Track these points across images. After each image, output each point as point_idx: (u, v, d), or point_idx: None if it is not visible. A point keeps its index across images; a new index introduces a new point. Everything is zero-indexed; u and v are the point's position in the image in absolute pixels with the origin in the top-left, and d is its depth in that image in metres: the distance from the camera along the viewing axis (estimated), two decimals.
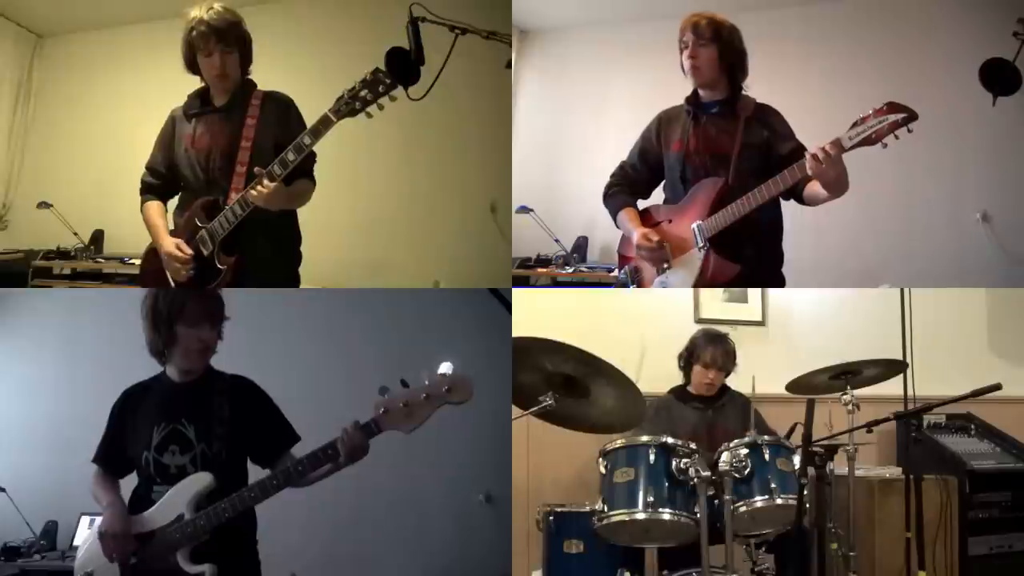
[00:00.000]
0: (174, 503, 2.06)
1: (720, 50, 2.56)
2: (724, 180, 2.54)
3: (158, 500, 2.09)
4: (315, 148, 2.61)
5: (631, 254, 2.79)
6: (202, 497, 2.05)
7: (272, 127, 2.61)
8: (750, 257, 2.55)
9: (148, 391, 2.22)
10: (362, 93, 2.36)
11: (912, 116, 2.18)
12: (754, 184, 2.45)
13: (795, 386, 2.89)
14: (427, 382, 1.97)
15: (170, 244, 2.61)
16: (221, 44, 2.57)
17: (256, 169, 2.48)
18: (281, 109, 2.65)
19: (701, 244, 2.54)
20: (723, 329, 3.27)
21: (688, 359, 3.21)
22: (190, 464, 2.09)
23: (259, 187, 2.44)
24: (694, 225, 2.56)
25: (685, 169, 2.65)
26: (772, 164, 2.50)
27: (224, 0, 2.65)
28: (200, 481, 2.06)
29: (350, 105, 2.37)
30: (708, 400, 3.19)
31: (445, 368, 1.98)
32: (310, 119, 2.55)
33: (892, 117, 2.18)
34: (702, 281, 2.56)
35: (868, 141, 2.21)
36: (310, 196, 2.70)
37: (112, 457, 2.23)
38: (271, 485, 2.03)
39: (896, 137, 2.19)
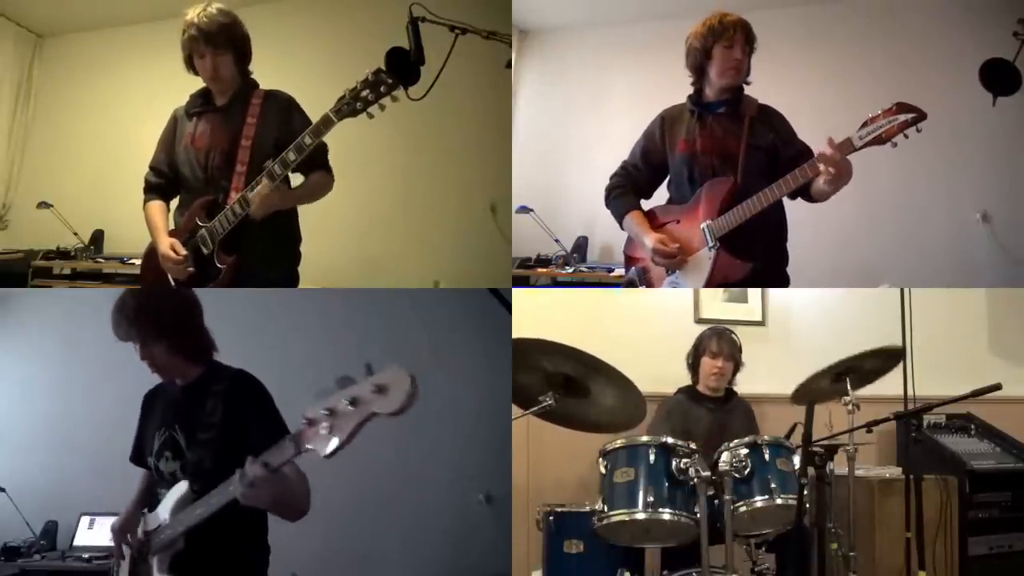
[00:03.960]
0: (163, 509, 2.05)
1: (748, 53, 2.57)
2: (733, 179, 2.53)
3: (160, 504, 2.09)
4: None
5: (639, 255, 2.79)
6: (179, 505, 2.01)
7: (273, 126, 2.60)
8: (759, 256, 2.55)
9: (159, 393, 2.22)
10: (363, 93, 2.35)
11: (921, 116, 2.21)
12: (762, 184, 2.46)
13: (799, 395, 2.88)
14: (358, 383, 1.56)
15: (165, 245, 2.61)
16: (211, 47, 2.57)
17: (266, 164, 2.47)
18: (282, 108, 2.65)
19: (712, 244, 2.54)
20: None
21: (696, 354, 3.27)
22: (180, 471, 2.06)
23: (255, 193, 2.44)
24: (704, 225, 2.56)
25: (692, 170, 2.64)
26: (778, 165, 2.51)
27: None
28: (178, 490, 2.03)
29: (351, 105, 2.37)
30: (718, 401, 3.23)
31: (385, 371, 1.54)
32: (310, 118, 2.55)
33: (902, 117, 2.21)
34: (713, 281, 2.56)
35: (878, 140, 2.24)
36: (330, 187, 2.69)
37: (140, 454, 2.23)
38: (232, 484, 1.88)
39: (905, 136, 2.22)
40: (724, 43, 2.54)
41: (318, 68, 4.48)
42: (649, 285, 2.76)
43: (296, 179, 2.71)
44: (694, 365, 3.27)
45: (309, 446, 1.60)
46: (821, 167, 2.31)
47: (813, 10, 4.78)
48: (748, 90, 2.64)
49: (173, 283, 2.63)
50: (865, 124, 2.26)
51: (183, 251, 2.59)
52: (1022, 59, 3.88)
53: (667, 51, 2.70)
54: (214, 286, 2.51)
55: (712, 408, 3.20)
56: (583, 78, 5.50)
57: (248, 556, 2.09)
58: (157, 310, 2.07)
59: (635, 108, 3.04)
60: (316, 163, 2.62)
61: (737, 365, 3.24)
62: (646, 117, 2.83)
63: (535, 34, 5.68)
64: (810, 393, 2.83)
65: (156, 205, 2.76)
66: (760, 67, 2.63)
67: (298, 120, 2.61)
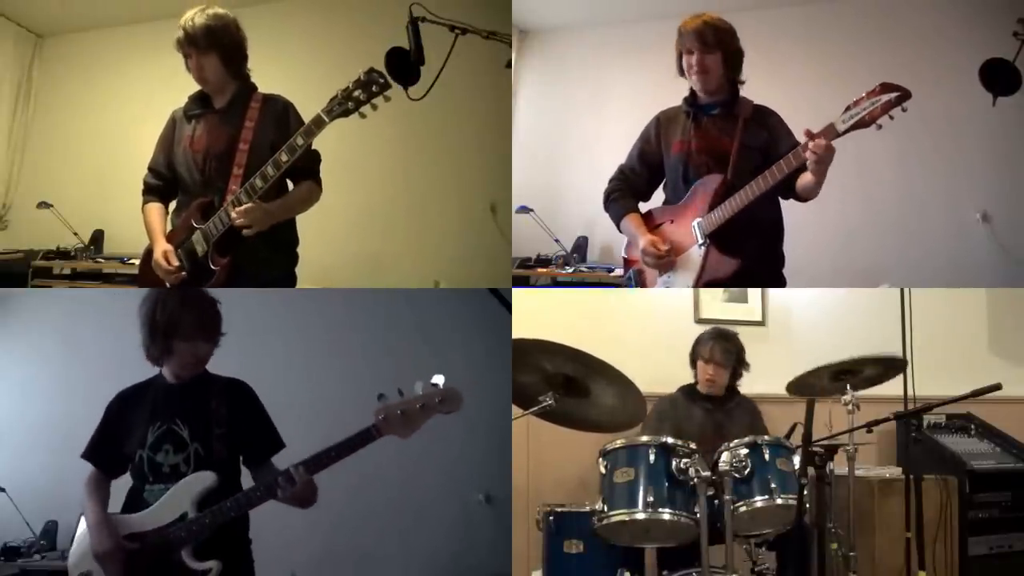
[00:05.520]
0: (176, 502, 2.07)
1: (724, 56, 2.55)
2: (723, 177, 2.53)
3: (151, 499, 2.10)
4: (317, 149, 2.61)
5: (636, 257, 2.79)
6: (205, 495, 2.06)
7: (270, 130, 2.60)
8: (751, 255, 2.54)
9: (143, 391, 2.24)
10: (355, 93, 2.35)
11: (905, 95, 2.17)
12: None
13: (795, 387, 2.89)
14: (421, 392, 2.07)
15: (160, 252, 2.63)
16: (195, 48, 2.57)
17: (232, 198, 2.49)
18: (280, 112, 2.65)
19: (701, 241, 2.54)
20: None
21: (693, 355, 3.26)
22: (183, 463, 2.11)
23: (238, 212, 2.45)
24: (694, 222, 2.56)
25: (687, 170, 2.64)
26: (770, 163, 2.49)
27: (222, 1, 2.65)
28: (204, 480, 2.08)
29: (343, 105, 2.37)
30: (717, 400, 3.21)
31: (437, 380, 2.09)
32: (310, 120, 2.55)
33: (885, 97, 2.17)
34: (702, 278, 2.55)
35: (862, 123, 2.21)
36: (317, 198, 2.69)
37: (103, 454, 2.23)
38: (278, 485, 2.05)
39: (891, 118, 2.18)
40: (686, 49, 2.56)
41: (318, 68, 4.48)
42: (643, 286, 2.77)
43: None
44: (693, 364, 3.27)
45: (389, 434, 2.08)
46: (806, 154, 2.27)
47: (811, 10, 4.78)
48: (746, 88, 2.64)
49: (167, 284, 2.63)
50: (848, 108, 2.22)
51: (175, 262, 2.60)
52: (1022, 59, 3.87)
53: (667, 51, 2.70)
54: (208, 287, 2.50)
55: (709, 408, 3.19)
56: (583, 78, 5.50)
57: (244, 544, 2.19)
58: (202, 308, 2.20)
59: (635, 108, 3.04)
60: (306, 173, 2.62)
61: (736, 371, 3.21)
62: (646, 117, 2.82)
63: (535, 34, 5.68)
64: (807, 387, 2.84)
65: (154, 207, 2.77)
66: (758, 66, 2.63)
67: (295, 124, 2.61)
